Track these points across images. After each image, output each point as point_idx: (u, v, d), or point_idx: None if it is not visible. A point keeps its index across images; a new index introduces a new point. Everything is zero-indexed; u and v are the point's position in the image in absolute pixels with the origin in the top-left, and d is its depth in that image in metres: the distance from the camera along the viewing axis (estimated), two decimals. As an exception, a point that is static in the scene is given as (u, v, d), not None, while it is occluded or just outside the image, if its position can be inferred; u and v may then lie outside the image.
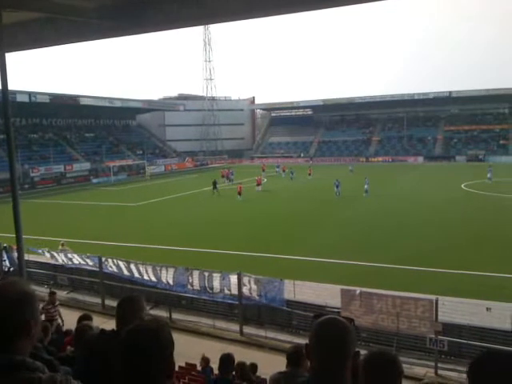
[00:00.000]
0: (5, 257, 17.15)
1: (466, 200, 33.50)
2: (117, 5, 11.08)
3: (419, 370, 10.11)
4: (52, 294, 11.78)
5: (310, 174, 52.63)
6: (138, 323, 1.91)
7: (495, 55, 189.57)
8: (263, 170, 56.13)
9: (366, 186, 37.52)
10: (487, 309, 10.85)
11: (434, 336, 10.27)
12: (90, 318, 6.99)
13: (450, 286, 14.53)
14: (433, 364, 10.35)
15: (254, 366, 7.80)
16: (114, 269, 14.98)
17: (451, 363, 10.50)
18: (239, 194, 37.86)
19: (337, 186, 37.23)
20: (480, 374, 1.73)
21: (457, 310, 10.33)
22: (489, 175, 43.99)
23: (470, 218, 26.47)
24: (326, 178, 51.63)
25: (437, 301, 10.30)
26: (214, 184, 41.78)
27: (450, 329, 10.56)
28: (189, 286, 13.57)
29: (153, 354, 1.75)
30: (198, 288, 13.46)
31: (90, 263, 15.64)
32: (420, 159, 73.70)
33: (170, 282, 13.84)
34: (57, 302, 11.69)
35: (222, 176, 52.74)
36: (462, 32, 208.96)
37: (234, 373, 6.72)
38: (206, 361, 8.49)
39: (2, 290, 1.77)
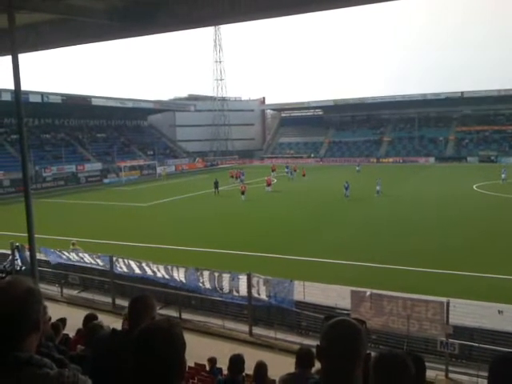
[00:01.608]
0: (17, 256, 17.31)
1: (477, 201, 33.19)
2: (127, 6, 11.16)
3: (430, 373, 9.98)
4: None
5: (304, 175, 52.80)
6: (150, 323, 1.92)
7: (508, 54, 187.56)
8: (273, 171, 56.12)
9: (378, 187, 37.32)
10: (499, 311, 10.74)
11: (444, 339, 10.19)
12: (95, 318, 7.03)
13: (460, 288, 14.41)
14: (443, 367, 10.26)
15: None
16: (125, 269, 15.07)
17: (462, 366, 10.41)
18: (243, 193, 38.15)
19: (346, 188, 36.65)
20: (497, 377, 1.72)
21: (468, 312, 10.23)
22: (503, 176, 43.55)
23: (482, 220, 26.23)
24: (323, 178, 51.84)
25: (448, 303, 10.22)
26: (216, 184, 42.00)
27: (461, 332, 10.47)
28: (200, 284, 13.60)
29: (164, 354, 1.75)
30: (209, 287, 13.49)
31: (101, 263, 15.74)
32: (431, 160, 73.22)
33: (183, 280, 13.89)
34: None
35: (231, 176, 52.86)
36: (475, 30, 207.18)
37: (244, 373, 6.71)
38: (212, 361, 8.51)
39: (9, 288, 1.77)
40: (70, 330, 8.24)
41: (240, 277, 12.97)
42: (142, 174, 65.60)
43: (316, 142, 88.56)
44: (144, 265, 14.68)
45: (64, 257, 16.86)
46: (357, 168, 59.05)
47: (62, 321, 7.70)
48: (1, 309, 1.72)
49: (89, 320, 6.71)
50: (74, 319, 8.55)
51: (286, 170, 57.23)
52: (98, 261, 15.79)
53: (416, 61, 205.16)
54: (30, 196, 10.47)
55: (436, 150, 77.16)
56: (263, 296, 12.74)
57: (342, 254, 19.51)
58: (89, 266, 16.34)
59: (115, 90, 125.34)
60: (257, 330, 12.85)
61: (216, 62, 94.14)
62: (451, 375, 10.20)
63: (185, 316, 13.82)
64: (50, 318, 6.03)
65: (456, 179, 48.27)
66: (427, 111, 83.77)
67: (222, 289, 13.30)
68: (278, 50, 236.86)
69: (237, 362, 6.46)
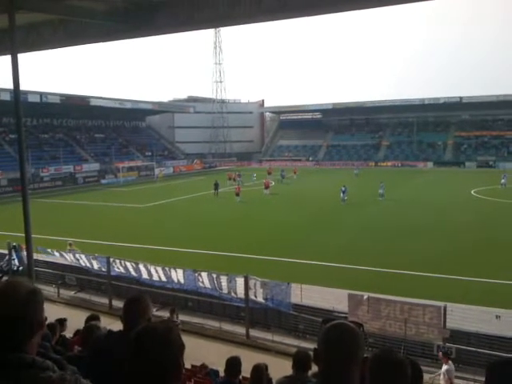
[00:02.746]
0: (14, 256, 17.28)
1: (475, 206, 33.25)
2: (128, 7, 11.17)
3: (426, 377, 10.01)
4: (172, 311, 11.43)
5: (283, 177, 53.25)
6: (146, 325, 1.91)
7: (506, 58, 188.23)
8: (269, 174, 55.71)
9: (381, 191, 37.27)
10: (496, 316, 10.76)
11: (441, 343, 10.19)
12: (97, 319, 7.02)
13: (458, 293, 14.42)
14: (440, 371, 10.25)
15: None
16: (122, 270, 15.04)
17: (459, 371, 10.39)
18: (237, 195, 38.34)
19: (343, 192, 36.06)
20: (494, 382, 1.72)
21: (465, 317, 10.25)
22: (502, 181, 43.57)
23: (480, 225, 26.26)
24: (322, 181, 51.97)
25: (445, 307, 10.23)
26: (216, 186, 42.14)
27: (458, 336, 10.48)
28: (200, 284, 13.56)
29: (161, 357, 1.75)
30: (209, 286, 13.46)
31: (96, 266, 15.67)
32: (429, 164, 73.27)
33: (181, 280, 13.86)
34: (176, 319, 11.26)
35: (229, 178, 52.78)
36: (475, 35, 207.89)
37: (241, 376, 6.70)
38: (203, 367, 8.55)
39: (12, 290, 1.77)
40: (67, 331, 8.23)
41: (237, 279, 12.96)
42: (140, 175, 65.53)
43: (314, 146, 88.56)
44: (141, 266, 14.65)
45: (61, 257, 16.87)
46: (355, 171, 58.90)
47: (61, 321, 7.69)
48: (5, 311, 1.71)
49: (90, 321, 6.71)
50: (71, 320, 8.54)
51: (281, 173, 55.73)
52: (94, 262, 15.74)
53: (416, 65, 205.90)
54: (28, 196, 10.44)
55: (434, 154, 77.24)
56: (260, 299, 12.73)
57: (340, 258, 19.52)
58: (84, 268, 16.27)
59: (114, 90, 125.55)
60: (254, 333, 12.84)
61: (216, 64, 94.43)
62: (448, 380, 10.18)
63: (182, 318, 13.77)
64: (46, 318, 6.02)
65: (454, 184, 48.33)
66: (426, 116, 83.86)
67: (221, 289, 13.29)
68: (278, 52, 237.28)
69: (234, 364, 6.43)
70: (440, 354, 9.41)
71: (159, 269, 14.28)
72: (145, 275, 14.57)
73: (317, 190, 45.57)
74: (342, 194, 36.17)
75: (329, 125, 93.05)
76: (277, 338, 12.41)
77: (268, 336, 12.59)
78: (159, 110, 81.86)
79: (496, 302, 12.91)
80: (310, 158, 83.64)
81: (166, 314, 13.66)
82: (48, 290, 16.49)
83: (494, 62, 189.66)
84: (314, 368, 2.19)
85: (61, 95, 61.17)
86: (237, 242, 23.31)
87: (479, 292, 14.89)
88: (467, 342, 10.50)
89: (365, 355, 1.89)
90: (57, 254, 16.94)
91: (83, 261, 16.14)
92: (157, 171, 65.18)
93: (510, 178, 44.31)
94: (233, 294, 13.10)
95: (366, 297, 11.20)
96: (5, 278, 16.13)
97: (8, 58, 10.15)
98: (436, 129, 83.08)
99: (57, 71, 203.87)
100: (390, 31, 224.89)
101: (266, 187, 43.05)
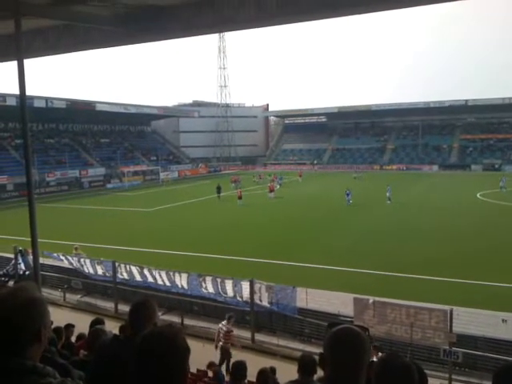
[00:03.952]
0: (20, 260, 17.33)
1: (481, 209, 33.09)
2: (132, 13, 11.22)
3: (433, 382, 9.91)
4: (229, 318, 11.31)
5: (271, 179, 53.27)
6: (153, 329, 1.91)
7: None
8: (260, 178, 55.41)
9: (388, 194, 37.37)
10: (503, 320, 10.68)
11: (448, 347, 10.13)
12: (102, 323, 7.03)
13: (464, 297, 14.34)
14: (447, 376, 10.19)
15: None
16: (126, 276, 15.04)
17: (465, 375, 10.35)
18: (239, 198, 38.84)
19: (347, 195, 36.90)
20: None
21: (472, 321, 10.19)
22: (501, 184, 43.73)
23: (485, 228, 26.12)
24: (327, 185, 51.79)
25: (451, 311, 10.16)
26: (219, 189, 42.55)
27: (464, 340, 10.40)
28: (203, 290, 13.56)
29: (167, 361, 1.74)
30: (213, 291, 13.44)
31: (100, 272, 15.67)
32: (435, 168, 73.07)
33: (185, 285, 13.86)
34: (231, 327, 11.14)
35: (232, 181, 52.86)
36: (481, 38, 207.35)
37: (246, 380, 6.68)
38: (212, 365, 8.50)
39: (11, 296, 1.77)
40: (73, 335, 8.24)
41: (242, 283, 12.93)
42: (145, 180, 65.73)
43: (319, 149, 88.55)
44: (146, 270, 14.66)
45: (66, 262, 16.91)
46: (354, 175, 58.22)
47: (68, 327, 7.71)
48: (4, 316, 1.72)
49: (94, 325, 6.72)
50: (77, 324, 8.55)
51: (283, 177, 55.60)
52: (99, 267, 15.73)
53: (421, 69, 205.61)
54: (34, 200, 10.47)
55: (440, 157, 77.02)
56: (265, 303, 12.70)
57: (345, 261, 19.45)
58: (88, 274, 16.27)
59: (120, 95, 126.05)
60: (259, 337, 12.81)
61: (220, 68, 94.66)
62: (454, 384, 10.13)
63: (187, 322, 13.79)
64: (52, 323, 6.03)
65: (460, 187, 48.14)
66: (431, 119, 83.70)
67: (225, 293, 13.27)
68: (283, 56, 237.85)
69: (239, 368, 6.44)
70: (371, 346, 9.41)
71: (163, 273, 14.27)
72: (150, 279, 14.57)
73: (321, 193, 45.53)
74: (346, 197, 36.86)
75: (334, 128, 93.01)
76: (282, 342, 12.38)
77: (273, 340, 12.55)
78: (164, 114, 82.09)
79: (502, 306, 12.82)
80: (315, 162, 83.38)
81: (171, 318, 13.68)
82: (54, 294, 16.53)
83: (500, 64, 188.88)
84: (320, 372, 2.18)
85: (66, 100, 61.46)
86: (242, 245, 23.27)
87: (485, 296, 14.78)
88: (474, 346, 10.43)
89: (371, 359, 1.88)
90: (63, 258, 16.98)
91: (87, 267, 16.14)
92: (162, 175, 65.33)
93: (510, 182, 44.25)
94: (238, 298, 13.08)
95: (371, 301, 11.15)
96: (11, 283, 16.19)
97: (14, 64, 10.21)
98: (441, 132, 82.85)
99: (62, 76, 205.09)
100: (395, 34, 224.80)
101: (271, 191, 43.33)
